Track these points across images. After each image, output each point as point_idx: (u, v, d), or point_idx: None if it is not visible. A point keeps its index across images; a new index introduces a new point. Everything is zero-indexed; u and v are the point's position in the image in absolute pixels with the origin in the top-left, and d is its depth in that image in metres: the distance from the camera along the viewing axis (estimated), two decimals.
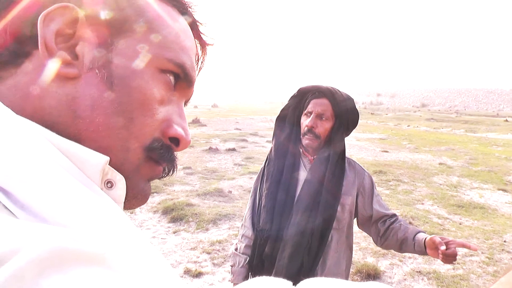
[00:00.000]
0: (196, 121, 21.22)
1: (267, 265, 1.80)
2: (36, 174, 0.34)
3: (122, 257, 0.34)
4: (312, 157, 1.88)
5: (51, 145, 0.40)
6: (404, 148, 15.11)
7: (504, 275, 0.50)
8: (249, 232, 1.91)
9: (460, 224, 5.99)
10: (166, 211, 5.75)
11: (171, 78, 0.51)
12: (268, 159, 1.98)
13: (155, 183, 7.03)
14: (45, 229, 0.29)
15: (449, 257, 1.52)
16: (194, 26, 0.57)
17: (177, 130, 0.52)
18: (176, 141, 0.53)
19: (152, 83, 0.48)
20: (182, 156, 10.60)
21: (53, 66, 0.43)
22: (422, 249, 1.66)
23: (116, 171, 0.46)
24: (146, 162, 0.50)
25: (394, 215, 1.88)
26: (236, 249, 1.95)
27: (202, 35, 0.60)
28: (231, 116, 29.45)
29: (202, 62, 0.62)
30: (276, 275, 1.73)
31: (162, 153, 0.50)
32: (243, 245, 1.92)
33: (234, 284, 1.87)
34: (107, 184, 0.45)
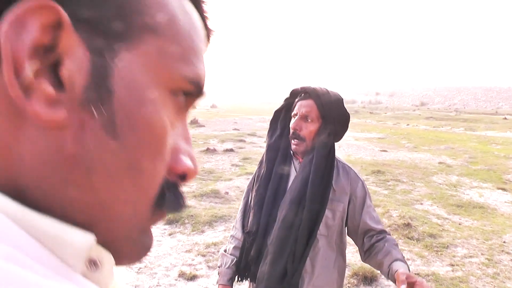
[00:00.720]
0: (194, 122, 21.20)
1: (253, 268, 1.78)
2: None
3: None
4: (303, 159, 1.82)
5: (10, 222, 0.26)
6: (403, 147, 15.07)
7: None
8: (239, 234, 1.91)
9: (459, 224, 5.93)
10: None
11: (182, 98, 0.37)
12: (260, 161, 1.96)
13: None
14: None
15: None
16: (203, 16, 0.42)
17: (186, 163, 0.38)
18: (183, 176, 0.39)
19: (163, 114, 0.34)
20: None
21: (29, 108, 0.27)
22: (393, 280, 1.57)
23: (103, 249, 0.33)
24: (153, 215, 0.37)
25: (383, 231, 1.79)
26: (225, 250, 1.94)
27: (208, 24, 0.43)
28: (229, 117, 29.47)
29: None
30: (258, 280, 1.71)
31: (170, 197, 0.37)
32: (232, 246, 1.91)
33: (219, 285, 1.86)
34: (90, 264, 0.32)
